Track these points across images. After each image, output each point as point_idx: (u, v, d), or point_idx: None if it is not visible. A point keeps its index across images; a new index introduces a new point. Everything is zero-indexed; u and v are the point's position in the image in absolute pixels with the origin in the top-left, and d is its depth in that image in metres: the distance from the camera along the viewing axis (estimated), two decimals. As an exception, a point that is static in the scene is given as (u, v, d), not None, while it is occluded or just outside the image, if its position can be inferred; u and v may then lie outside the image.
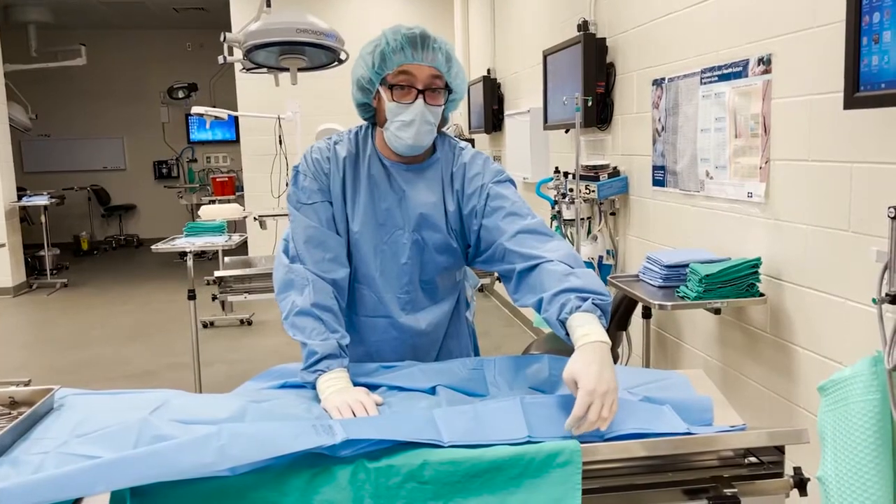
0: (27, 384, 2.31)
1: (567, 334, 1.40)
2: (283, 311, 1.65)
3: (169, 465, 1.11)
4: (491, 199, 1.68)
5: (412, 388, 1.54)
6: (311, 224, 1.69)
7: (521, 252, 1.57)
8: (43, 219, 8.43)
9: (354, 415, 1.39)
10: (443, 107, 1.68)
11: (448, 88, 1.68)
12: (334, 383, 1.50)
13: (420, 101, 1.63)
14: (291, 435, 1.19)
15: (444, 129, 1.78)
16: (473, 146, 1.89)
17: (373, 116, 1.75)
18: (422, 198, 1.72)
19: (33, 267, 8.60)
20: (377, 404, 1.46)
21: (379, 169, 1.74)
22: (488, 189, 1.69)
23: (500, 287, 3.91)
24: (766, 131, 2.47)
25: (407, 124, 1.64)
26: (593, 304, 1.40)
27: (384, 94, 1.65)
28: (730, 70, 2.66)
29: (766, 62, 2.44)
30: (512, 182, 1.75)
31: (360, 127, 1.79)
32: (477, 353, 1.99)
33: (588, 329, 1.36)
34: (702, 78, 2.86)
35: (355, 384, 1.54)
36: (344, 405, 1.41)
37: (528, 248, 1.57)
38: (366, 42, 1.68)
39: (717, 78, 2.75)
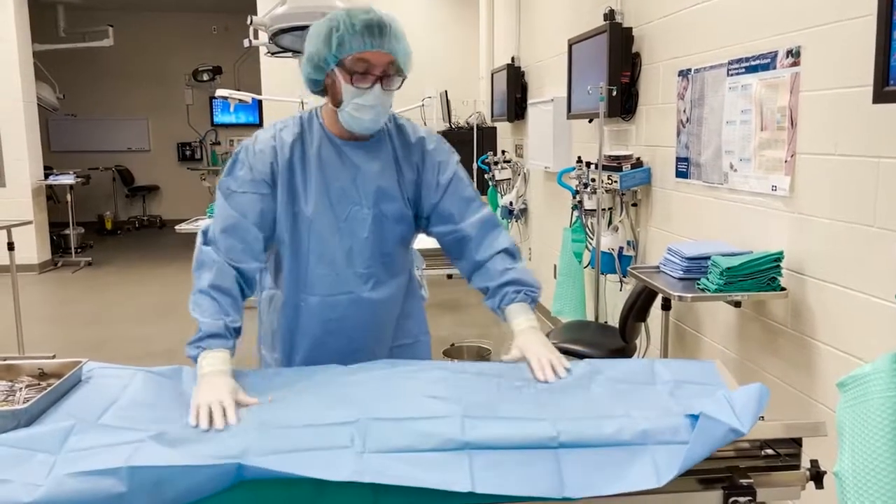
0: (51, 359, 2.36)
1: (504, 318, 1.78)
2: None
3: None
4: (454, 182, 1.84)
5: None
6: (232, 214, 1.71)
7: (481, 242, 1.82)
8: (69, 198, 8.55)
9: (211, 421, 1.35)
10: (396, 90, 1.73)
11: (400, 72, 1.71)
12: (211, 363, 1.52)
13: (378, 86, 1.68)
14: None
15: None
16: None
17: (322, 91, 1.77)
18: (376, 171, 1.78)
19: (58, 245, 8.72)
20: (247, 405, 1.43)
21: (329, 149, 1.77)
22: (449, 170, 1.85)
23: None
24: (792, 124, 2.44)
25: (364, 108, 1.69)
26: (526, 295, 1.77)
27: (341, 75, 1.67)
28: (757, 62, 2.64)
29: (794, 54, 2.42)
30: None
31: (305, 112, 1.83)
32: (427, 332, 2.04)
33: (522, 318, 1.74)
34: (729, 69, 2.83)
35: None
36: (204, 408, 1.37)
37: (486, 239, 1.82)
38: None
39: (744, 70, 2.73)
